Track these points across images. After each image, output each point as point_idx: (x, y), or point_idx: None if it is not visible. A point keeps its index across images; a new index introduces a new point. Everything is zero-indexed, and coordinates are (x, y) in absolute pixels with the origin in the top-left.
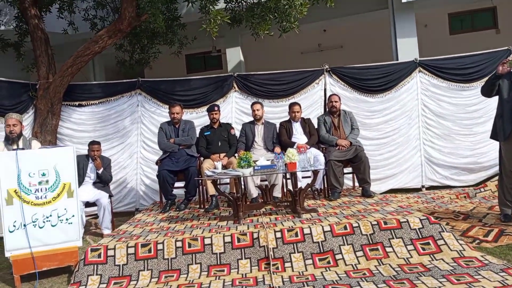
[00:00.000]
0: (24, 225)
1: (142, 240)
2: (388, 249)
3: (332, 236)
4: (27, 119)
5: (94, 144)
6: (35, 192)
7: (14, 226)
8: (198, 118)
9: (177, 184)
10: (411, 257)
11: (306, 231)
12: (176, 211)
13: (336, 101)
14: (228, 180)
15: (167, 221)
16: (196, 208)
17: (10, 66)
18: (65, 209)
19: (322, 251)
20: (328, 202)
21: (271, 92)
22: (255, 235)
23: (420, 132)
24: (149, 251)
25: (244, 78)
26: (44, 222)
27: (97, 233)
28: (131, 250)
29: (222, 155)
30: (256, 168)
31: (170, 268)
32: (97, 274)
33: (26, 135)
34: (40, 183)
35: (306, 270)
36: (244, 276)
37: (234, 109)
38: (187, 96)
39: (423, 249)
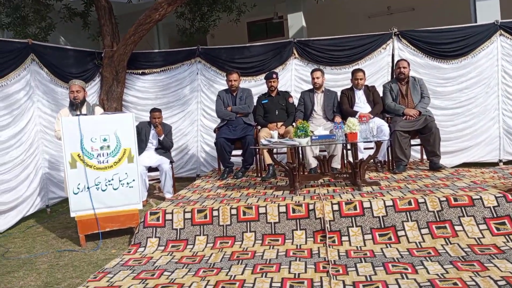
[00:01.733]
0: (88, 188)
1: (198, 206)
2: (457, 228)
3: (395, 211)
4: (94, 86)
5: (155, 112)
6: (97, 156)
7: (78, 188)
8: (257, 86)
9: (235, 152)
10: (483, 237)
11: (366, 204)
12: (233, 179)
13: (404, 67)
14: (286, 150)
15: (224, 188)
16: (254, 176)
17: (79, 35)
18: (126, 173)
19: (383, 226)
20: (392, 175)
21: (333, 58)
22: (311, 207)
23: (500, 101)
24: (205, 217)
25: (305, 44)
26: (106, 185)
27: (160, 197)
28: (188, 215)
29: (279, 124)
30: (313, 138)
31: (225, 234)
32: (155, 237)
33: (92, 102)
34: (101, 148)
35: (365, 246)
36: (298, 247)
37: (294, 76)
38: (245, 64)
39: (498, 229)
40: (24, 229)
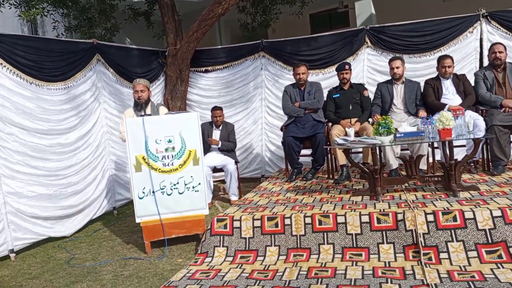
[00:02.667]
0: (153, 192)
1: (268, 212)
2: None
3: (505, 223)
4: (158, 86)
5: (216, 110)
6: (162, 159)
7: (143, 192)
8: (325, 79)
9: (303, 152)
10: None
11: (468, 215)
12: (302, 181)
13: (500, 51)
14: (360, 149)
15: (293, 191)
16: (324, 178)
17: (143, 36)
18: (191, 176)
19: (490, 241)
20: (490, 178)
21: (412, 45)
22: (400, 217)
23: None
24: (276, 225)
25: (379, 31)
26: (171, 189)
27: (225, 199)
28: (257, 223)
29: (353, 120)
30: (398, 135)
31: (299, 246)
32: (223, 246)
33: (157, 102)
34: (166, 150)
35: (470, 265)
36: (387, 265)
37: (366, 67)
38: (312, 56)
39: None
40: (91, 232)
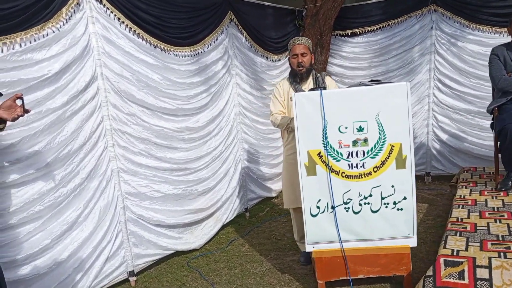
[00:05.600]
0: (332, 208)
1: None
2: None
3: None
4: None
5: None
6: (348, 157)
7: (318, 207)
8: None
9: None
10: None
11: None
12: None
13: None
14: None
15: None
16: None
17: None
18: (392, 186)
19: None
20: None
21: None
22: None
23: None
24: None
25: None
26: (360, 204)
27: None
28: None
29: None
30: None
31: None
32: None
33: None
34: (354, 143)
35: None
36: None
37: None
38: (507, 9)
39: None
40: (224, 244)
